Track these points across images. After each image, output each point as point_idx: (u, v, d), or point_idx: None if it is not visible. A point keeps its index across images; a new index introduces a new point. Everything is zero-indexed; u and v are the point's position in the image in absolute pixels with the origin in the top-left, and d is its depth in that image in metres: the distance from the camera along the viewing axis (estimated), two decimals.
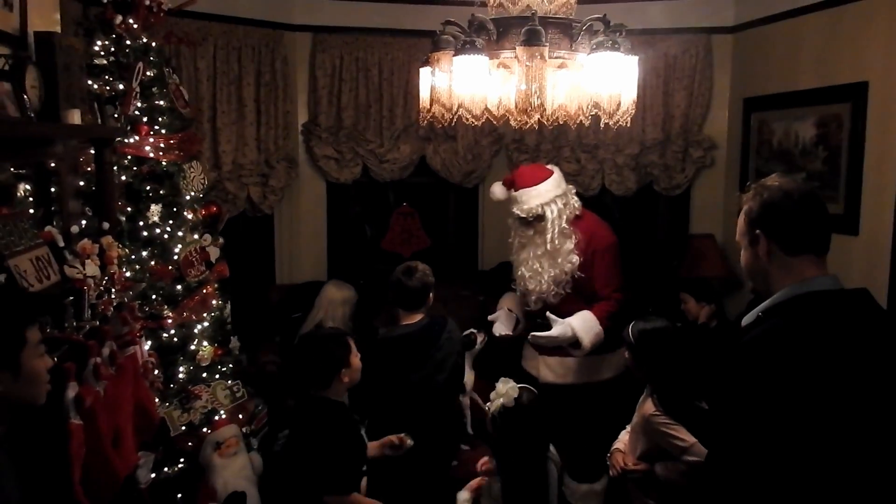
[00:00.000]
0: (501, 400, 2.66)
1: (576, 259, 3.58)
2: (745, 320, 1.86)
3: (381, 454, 2.96)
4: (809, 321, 1.73)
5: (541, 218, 3.57)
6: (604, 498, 3.75)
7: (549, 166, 3.75)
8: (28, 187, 2.76)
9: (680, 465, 2.71)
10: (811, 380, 1.66)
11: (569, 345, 3.56)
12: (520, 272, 3.70)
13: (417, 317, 3.21)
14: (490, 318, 3.84)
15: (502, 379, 2.72)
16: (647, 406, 2.81)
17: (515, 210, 3.62)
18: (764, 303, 1.82)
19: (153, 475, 2.95)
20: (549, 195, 3.57)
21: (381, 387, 3.14)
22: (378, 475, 3.20)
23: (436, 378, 3.16)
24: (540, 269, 3.60)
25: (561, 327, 3.49)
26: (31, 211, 2.68)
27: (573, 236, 3.59)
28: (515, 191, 3.62)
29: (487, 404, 2.78)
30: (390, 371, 3.13)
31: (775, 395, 1.67)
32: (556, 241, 3.57)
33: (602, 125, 2.64)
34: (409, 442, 2.94)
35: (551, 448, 2.84)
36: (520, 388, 2.71)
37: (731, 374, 1.78)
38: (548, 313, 3.52)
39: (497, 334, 3.76)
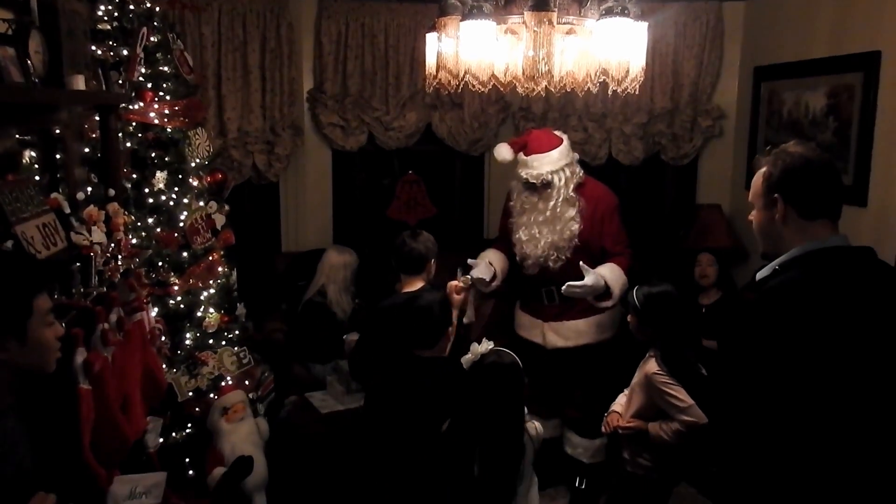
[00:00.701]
0: (469, 356, 2.80)
1: (576, 227, 3.57)
2: (760, 274, 1.91)
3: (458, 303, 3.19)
4: (826, 272, 1.82)
5: (548, 185, 3.55)
6: (606, 453, 3.83)
7: (557, 133, 3.72)
8: (33, 154, 2.75)
9: (674, 425, 2.75)
10: (830, 327, 1.74)
11: (595, 297, 3.54)
12: (517, 235, 3.68)
13: (418, 284, 3.21)
14: (469, 261, 3.75)
15: (484, 340, 2.79)
16: (650, 366, 2.85)
17: (523, 174, 3.59)
18: (779, 258, 1.88)
19: (161, 440, 2.98)
20: (559, 163, 3.55)
21: (382, 354, 3.15)
22: (381, 443, 3.24)
23: None
24: (538, 235, 3.59)
25: (593, 276, 3.47)
26: (37, 178, 2.68)
27: (577, 204, 3.58)
28: (526, 155, 3.58)
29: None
30: (390, 338, 3.14)
31: (796, 341, 1.73)
32: (559, 209, 3.56)
33: (610, 93, 2.61)
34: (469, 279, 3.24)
35: (534, 424, 2.90)
36: (496, 350, 2.80)
37: (750, 322, 1.84)
38: (581, 263, 3.51)
39: (473, 276, 3.62)
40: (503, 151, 3.64)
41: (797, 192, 1.87)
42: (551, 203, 3.56)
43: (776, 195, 1.88)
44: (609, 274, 3.54)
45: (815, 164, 1.87)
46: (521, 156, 3.61)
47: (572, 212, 3.58)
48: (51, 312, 1.77)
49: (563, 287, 3.51)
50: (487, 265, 3.72)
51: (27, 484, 1.70)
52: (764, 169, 1.92)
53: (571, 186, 3.59)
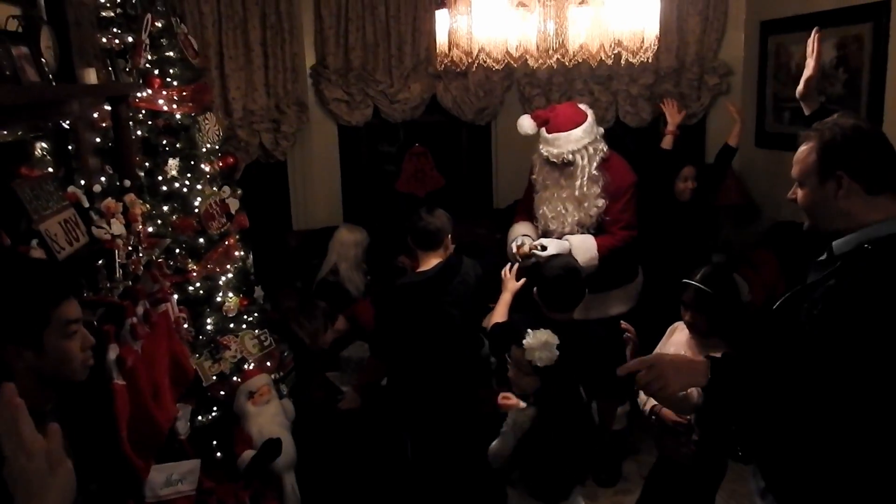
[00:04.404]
0: (541, 353, 2.56)
1: (602, 203, 3.54)
2: (841, 248, 1.80)
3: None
4: None
5: (570, 163, 3.52)
6: (627, 420, 3.88)
7: (582, 107, 3.63)
8: (45, 145, 2.74)
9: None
10: None
11: None
12: (542, 210, 3.65)
13: (434, 260, 3.20)
14: (521, 239, 3.66)
15: (530, 332, 2.62)
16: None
17: (544, 152, 3.53)
18: (861, 234, 1.77)
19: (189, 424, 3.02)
20: (581, 142, 3.48)
21: (400, 333, 3.18)
22: (406, 418, 3.28)
23: (452, 315, 3.16)
24: (564, 212, 3.56)
25: (558, 243, 3.45)
26: (50, 170, 2.68)
27: (600, 181, 3.54)
28: (548, 133, 3.51)
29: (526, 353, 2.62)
30: (405, 318, 3.16)
31: None
32: (585, 188, 3.52)
33: (623, 62, 2.58)
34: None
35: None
36: (546, 332, 2.61)
37: (869, 303, 1.69)
38: (541, 240, 3.48)
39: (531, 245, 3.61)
40: (525, 125, 3.55)
41: (862, 165, 1.77)
42: (577, 182, 3.51)
43: (839, 171, 1.77)
44: (578, 243, 3.47)
45: (873, 135, 1.80)
46: (543, 132, 3.53)
47: (597, 189, 3.54)
48: (76, 322, 1.66)
49: (530, 248, 3.44)
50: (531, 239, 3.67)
51: None
52: (813, 143, 1.83)
53: (595, 164, 3.52)
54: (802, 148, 1.87)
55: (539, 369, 2.56)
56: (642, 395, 2.98)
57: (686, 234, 4.25)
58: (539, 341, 2.56)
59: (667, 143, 4.38)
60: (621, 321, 2.93)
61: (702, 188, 4.30)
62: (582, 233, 3.59)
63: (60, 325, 1.62)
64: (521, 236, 3.70)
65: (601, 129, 3.65)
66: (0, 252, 1.93)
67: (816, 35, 2.49)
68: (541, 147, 3.57)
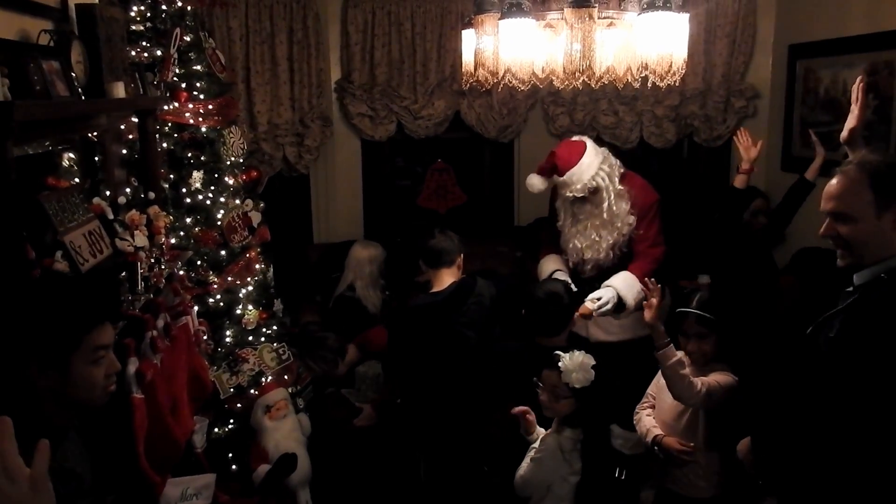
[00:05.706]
0: (578, 374, 2.55)
1: (633, 220, 3.51)
2: (860, 279, 1.87)
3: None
4: None
5: (596, 189, 3.49)
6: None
7: (575, 139, 3.62)
8: (72, 156, 2.77)
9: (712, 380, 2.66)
10: None
11: (614, 308, 3.51)
12: (572, 245, 3.60)
13: (448, 280, 3.20)
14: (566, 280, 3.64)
15: (563, 355, 2.60)
16: (726, 378, 2.68)
17: (569, 193, 3.49)
18: (883, 266, 1.84)
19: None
20: (594, 165, 3.47)
21: (414, 354, 3.16)
22: (420, 438, 3.26)
23: (466, 336, 3.15)
24: (598, 239, 3.53)
25: (606, 291, 3.45)
26: (77, 180, 2.71)
27: (626, 196, 3.52)
28: (561, 175, 3.48)
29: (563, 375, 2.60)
30: (418, 340, 3.14)
31: None
32: (615, 207, 3.49)
33: (650, 85, 2.57)
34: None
35: None
36: (581, 354, 2.61)
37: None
38: (592, 294, 3.48)
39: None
40: (536, 183, 3.54)
41: None
42: (604, 205, 3.49)
43: None
44: (621, 285, 3.47)
45: None
46: (557, 178, 3.50)
47: (625, 205, 3.51)
48: (106, 348, 1.65)
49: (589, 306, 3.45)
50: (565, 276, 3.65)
51: (88, 502, 1.72)
52: (859, 177, 1.85)
53: (617, 179, 3.51)
54: (844, 183, 1.87)
55: (577, 391, 2.55)
56: (642, 427, 2.92)
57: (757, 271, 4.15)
58: (575, 363, 2.55)
59: (740, 181, 3.86)
60: (649, 279, 2.86)
61: (771, 222, 4.20)
62: (616, 254, 3.56)
63: (89, 351, 1.62)
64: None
65: (605, 149, 3.62)
66: (41, 271, 1.93)
67: (860, 84, 2.43)
68: (564, 192, 3.53)
